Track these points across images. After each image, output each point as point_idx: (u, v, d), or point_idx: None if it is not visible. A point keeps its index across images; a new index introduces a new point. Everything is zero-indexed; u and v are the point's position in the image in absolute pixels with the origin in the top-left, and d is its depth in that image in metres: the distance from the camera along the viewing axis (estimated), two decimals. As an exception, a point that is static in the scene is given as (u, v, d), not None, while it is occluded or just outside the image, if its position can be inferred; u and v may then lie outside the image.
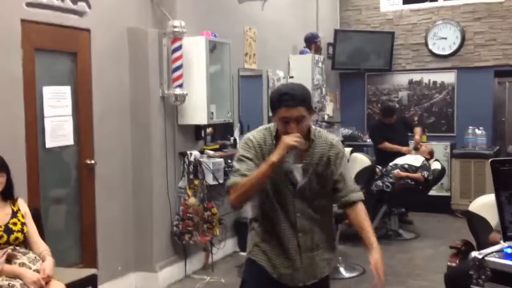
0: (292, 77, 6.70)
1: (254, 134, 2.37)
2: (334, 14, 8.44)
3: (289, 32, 6.89)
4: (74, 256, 4.18)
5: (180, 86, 4.70)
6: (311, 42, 7.02)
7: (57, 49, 3.97)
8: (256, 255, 2.43)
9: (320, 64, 6.99)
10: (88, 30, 4.14)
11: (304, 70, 6.70)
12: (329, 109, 7.83)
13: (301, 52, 6.94)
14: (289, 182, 2.32)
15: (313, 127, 2.39)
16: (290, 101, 2.21)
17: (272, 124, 2.39)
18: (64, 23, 3.93)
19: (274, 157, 2.19)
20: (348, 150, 5.59)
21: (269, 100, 2.35)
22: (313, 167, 2.33)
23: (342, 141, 7.24)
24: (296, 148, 2.21)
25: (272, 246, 2.40)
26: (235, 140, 5.70)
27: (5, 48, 3.47)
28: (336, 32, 7.96)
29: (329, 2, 8.27)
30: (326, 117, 7.57)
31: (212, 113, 5.05)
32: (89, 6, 4.12)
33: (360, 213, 2.34)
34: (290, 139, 2.19)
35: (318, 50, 7.09)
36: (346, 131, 7.86)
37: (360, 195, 2.39)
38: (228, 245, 5.57)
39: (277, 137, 2.31)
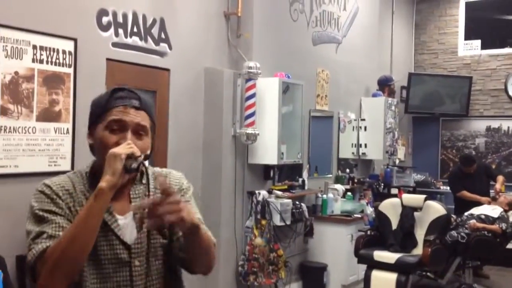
0: (363, 119, 6.62)
1: (53, 180, 1.53)
2: (409, 58, 8.33)
3: (362, 74, 6.84)
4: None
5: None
6: (385, 85, 6.93)
7: (138, 87, 4.12)
8: None
9: (393, 108, 6.87)
10: (168, 70, 4.29)
11: (376, 113, 6.60)
12: (400, 153, 7.64)
13: (374, 95, 6.86)
14: (119, 242, 1.50)
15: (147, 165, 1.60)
16: (132, 98, 1.50)
17: (79, 169, 1.59)
18: (146, 62, 4.10)
19: (102, 182, 1.40)
20: (422, 197, 5.38)
21: (91, 109, 1.57)
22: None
23: (414, 188, 7.05)
24: (134, 158, 1.42)
25: None
26: (303, 181, 5.65)
27: (90, 85, 3.64)
28: (411, 75, 7.83)
29: (404, 45, 8.18)
30: (397, 161, 7.39)
31: (283, 153, 5.04)
32: (170, 47, 4.28)
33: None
34: (122, 147, 1.43)
35: (391, 93, 6.98)
36: (419, 176, 7.61)
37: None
38: (293, 289, 5.46)
39: (93, 179, 1.50)
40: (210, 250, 1.55)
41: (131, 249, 1.51)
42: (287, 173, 5.51)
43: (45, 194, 1.49)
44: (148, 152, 1.54)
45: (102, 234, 1.47)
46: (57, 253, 1.37)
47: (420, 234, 5.16)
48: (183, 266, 1.61)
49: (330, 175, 6.28)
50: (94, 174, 1.51)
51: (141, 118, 1.50)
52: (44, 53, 3.31)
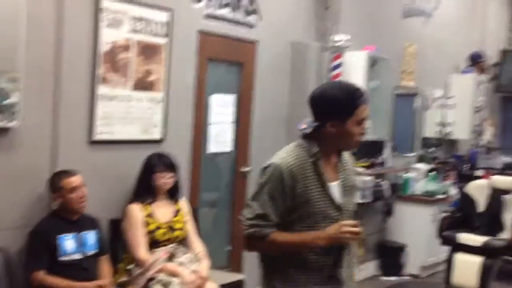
0: (450, 97, 6.34)
1: (284, 161, 1.91)
2: (501, 33, 7.86)
3: (451, 50, 6.54)
4: (222, 259, 4.31)
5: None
6: (475, 61, 6.59)
7: (226, 59, 4.16)
8: None
9: (483, 86, 6.53)
10: (255, 42, 4.27)
11: (465, 91, 6.30)
12: (488, 133, 7.29)
13: (464, 72, 6.55)
14: (334, 208, 1.96)
15: None
16: (365, 95, 1.94)
17: (301, 143, 1.96)
18: (235, 34, 4.10)
19: (322, 239, 1.89)
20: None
21: (333, 103, 1.91)
22: (349, 181, 2.04)
23: (503, 169, 6.72)
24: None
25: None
26: (384, 159, 5.52)
27: (182, 57, 3.69)
28: (504, 52, 7.40)
29: (497, 20, 7.72)
30: (484, 141, 7.06)
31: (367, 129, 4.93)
32: (259, 19, 4.25)
33: None
34: (346, 229, 1.89)
35: (482, 71, 6.63)
36: (507, 158, 7.23)
37: None
38: (369, 268, 5.40)
39: (316, 160, 1.94)
40: None
41: (340, 208, 1.94)
42: (367, 150, 5.40)
43: (276, 177, 1.88)
44: None
45: (319, 192, 1.90)
46: (272, 248, 1.92)
47: (508, 217, 4.95)
48: None
49: (412, 154, 6.09)
50: (321, 154, 1.92)
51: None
52: (140, 23, 3.38)
